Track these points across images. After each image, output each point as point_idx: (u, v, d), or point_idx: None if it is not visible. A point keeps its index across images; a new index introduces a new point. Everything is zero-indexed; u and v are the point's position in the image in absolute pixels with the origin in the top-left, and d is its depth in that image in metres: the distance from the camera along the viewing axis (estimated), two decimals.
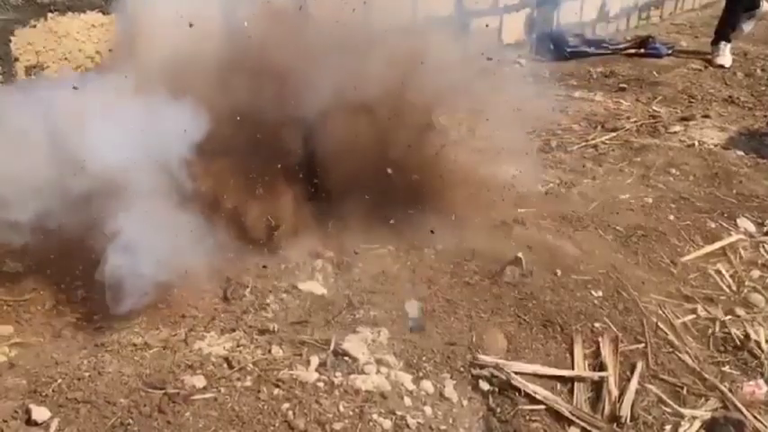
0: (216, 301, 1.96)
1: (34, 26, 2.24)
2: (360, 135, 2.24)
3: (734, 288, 2.20)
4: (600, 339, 1.90)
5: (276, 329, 1.84)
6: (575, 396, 1.71)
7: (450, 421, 1.59)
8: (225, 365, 1.69)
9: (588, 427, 1.61)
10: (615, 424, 1.62)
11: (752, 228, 2.58)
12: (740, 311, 2.07)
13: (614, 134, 3.55)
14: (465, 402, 1.65)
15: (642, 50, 5.23)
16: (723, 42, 5.00)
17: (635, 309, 2.04)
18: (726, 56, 4.99)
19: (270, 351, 1.75)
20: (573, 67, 4.85)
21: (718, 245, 2.44)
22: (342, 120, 2.23)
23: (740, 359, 1.89)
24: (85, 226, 1.82)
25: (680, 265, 2.30)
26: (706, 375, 1.80)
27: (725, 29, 5.03)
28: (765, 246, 2.46)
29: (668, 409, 1.69)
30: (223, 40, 2.20)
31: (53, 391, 1.56)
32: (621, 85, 4.45)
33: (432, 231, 2.28)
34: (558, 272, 2.18)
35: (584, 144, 3.40)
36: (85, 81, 1.96)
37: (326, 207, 2.42)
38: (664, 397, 1.72)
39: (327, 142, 2.28)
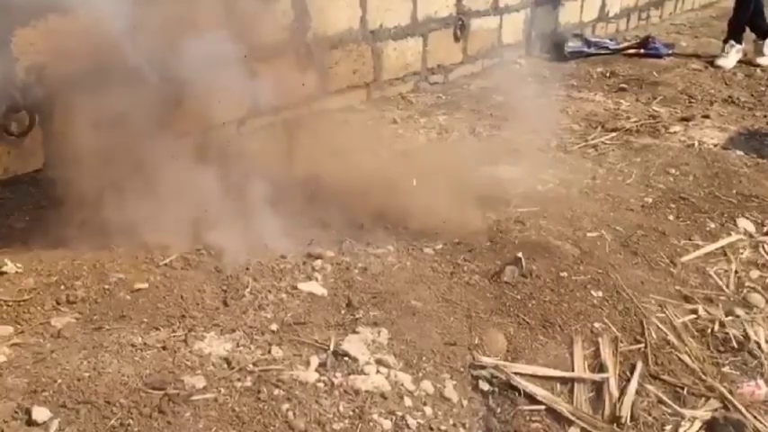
0: (216, 301, 1.96)
1: None
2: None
3: (733, 288, 2.20)
4: (600, 340, 1.90)
5: (276, 329, 1.84)
6: (575, 396, 1.71)
7: (451, 421, 1.59)
8: (225, 366, 1.69)
9: (588, 428, 1.61)
10: (615, 424, 1.62)
11: (752, 228, 2.58)
12: (740, 312, 2.07)
13: (614, 134, 3.55)
14: (465, 402, 1.65)
15: (642, 50, 5.23)
16: (732, 42, 4.99)
17: (634, 309, 2.04)
18: (728, 58, 4.97)
19: (270, 351, 1.75)
20: (573, 67, 4.85)
21: (718, 245, 2.44)
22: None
23: (740, 359, 1.88)
24: None
25: (680, 265, 2.30)
26: (706, 375, 1.80)
27: (734, 28, 5.02)
28: (765, 246, 2.46)
29: (668, 410, 1.69)
30: None
31: (53, 391, 1.56)
32: (621, 85, 4.45)
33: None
34: (558, 272, 2.18)
35: (584, 144, 3.40)
36: None
37: (325, 207, 2.42)
38: (664, 397, 1.72)
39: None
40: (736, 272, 2.29)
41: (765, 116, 3.92)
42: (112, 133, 2.26)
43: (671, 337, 1.94)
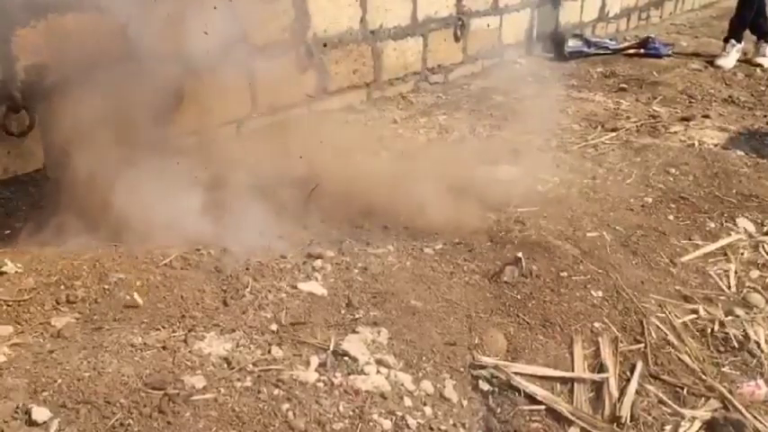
0: (216, 301, 1.96)
1: None
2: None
3: (733, 288, 2.20)
4: (600, 340, 1.90)
5: (276, 329, 1.84)
6: (575, 396, 1.71)
7: (451, 421, 1.59)
8: (225, 366, 1.69)
9: (588, 428, 1.61)
10: (615, 424, 1.62)
11: (752, 228, 2.58)
12: (740, 312, 2.07)
13: (614, 134, 3.55)
14: (465, 402, 1.65)
15: (642, 50, 5.24)
16: (732, 42, 4.99)
17: (634, 309, 2.04)
18: (728, 57, 4.98)
19: (270, 351, 1.75)
20: (573, 67, 4.85)
21: (718, 245, 2.44)
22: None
23: (740, 359, 1.88)
24: None
25: (680, 265, 2.30)
26: (706, 375, 1.80)
27: (736, 28, 5.02)
28: (765, 246, 2.46)
29: (668, 410, 1.69)
30: None
31: (53, 391, 1.56)
32: (621, 85, 4.46)
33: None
34: (558, 272, 2.18)
35: (584, 144, 3.40)
36: None
37: (325, 207, 2.42)
38: (664, 397, 1.72)
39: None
40: (736, 272, 2.29)
41: (765, 116, 3.92)
42: (112, 133, 2.26)
43: (671, 337, 1.94)
